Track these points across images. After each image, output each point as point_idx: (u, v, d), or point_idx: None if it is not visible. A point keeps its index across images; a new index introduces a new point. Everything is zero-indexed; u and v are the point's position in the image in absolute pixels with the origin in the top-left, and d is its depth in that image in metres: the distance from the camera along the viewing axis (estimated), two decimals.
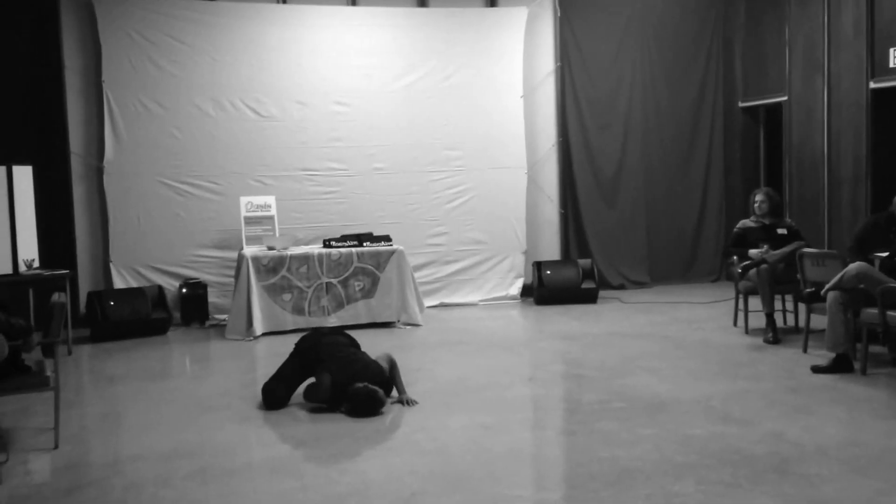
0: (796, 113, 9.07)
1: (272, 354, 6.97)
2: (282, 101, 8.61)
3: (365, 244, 7.98)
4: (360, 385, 5.01)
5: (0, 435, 4.59)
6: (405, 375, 5.53)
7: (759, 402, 5.03)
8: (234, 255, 8.12)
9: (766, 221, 7.08)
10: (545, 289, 8.93)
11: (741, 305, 7.17)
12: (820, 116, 8.70)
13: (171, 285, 8.24)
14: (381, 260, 7.93)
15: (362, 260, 7.91)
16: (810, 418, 4.70)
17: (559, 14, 9.46)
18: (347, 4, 8.93)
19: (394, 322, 7.87)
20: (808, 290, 6.13)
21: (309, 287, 7.77)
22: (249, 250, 7.81)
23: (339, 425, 4.86)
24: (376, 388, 5.04)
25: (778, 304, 7.15)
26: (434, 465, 4.24)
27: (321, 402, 5.13)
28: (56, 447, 4.54)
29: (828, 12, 8.50)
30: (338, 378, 5.06)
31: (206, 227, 8.41)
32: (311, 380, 5.26)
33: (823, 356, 5.88)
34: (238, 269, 7.83)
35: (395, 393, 5.33)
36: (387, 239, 8.10)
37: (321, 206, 8.72)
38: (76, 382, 6.24)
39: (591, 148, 9.67)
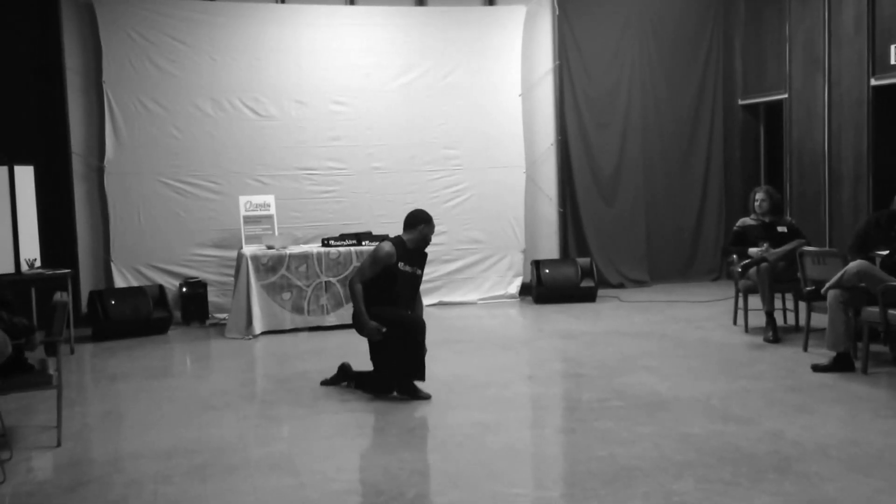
0: (796, 110, 9.06)
1: (271, 353, 7.00)
2: (280, 101, 8.62)
3: (364, 243, 7.98)
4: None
5: (3, 433, 4.60)
6: None
7: (759, 401, 5.03)
8: (234, 254, 8.12)
9: (767, 219, 7.07)
10: (544, 287, 8.93)
11: (741, 304, 7.16)
12: (820, 114, 8.69)
13: (171, 284, 8.25)
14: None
15: (361, 259, 7.90)
16: (810, 417, 4.70)
17: (557, 12, 9.45)
18: (346, 4, 8.93)
19: None
20: (809, 288, 6.12)
21: (308, 286, 7.78)
22: (249, 249, 7.81)
23: (337, 423, 4.87)
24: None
25: (778, 303, 7.14)
26: (432, 463, 4.26)
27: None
28: (58, 445, 4.56)
29: (828, 9, 8.50)
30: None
31: (206, 227, 8.42)
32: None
33: (824, 355, 5.87)
34: (237, 268, 7.84)
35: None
36: (384, 238, 8.10)
37: (320, 205, 8.73)
38: (78, 381, 6.26)
39: (589, 146, 9.67)
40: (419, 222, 5.45)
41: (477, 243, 9.15)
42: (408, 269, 5.41)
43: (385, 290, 5.34)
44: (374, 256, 5.35)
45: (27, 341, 4.56)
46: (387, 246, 5.36)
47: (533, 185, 9.45)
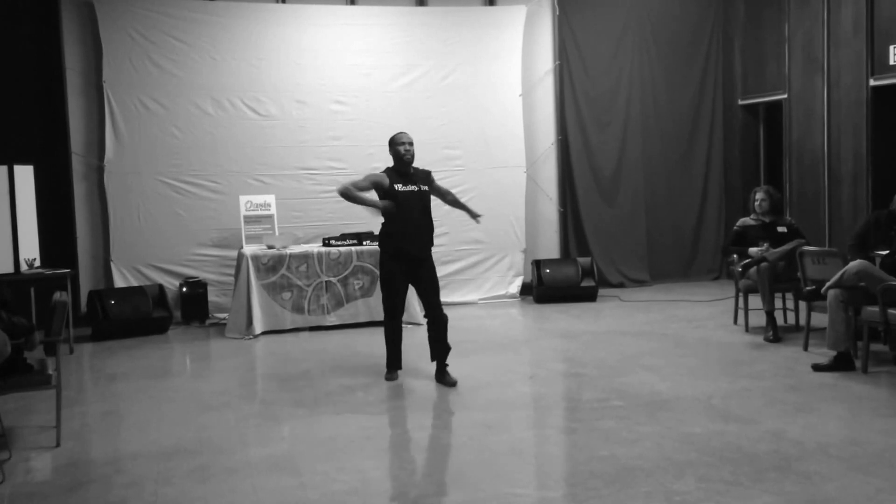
0: (796, 110, 9.07)
1: (272, 353, 6.99)
2: (281, 100, 8.62)
3: (364, 243, 7.98)
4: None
5: (2, 433, 4.59)
6: (404, 374, 5.67)
7: (760, 401, 5.03)
8: (234, 253, 8.12)
9: (767, 219, 7.08)
10: (544, 287, 8.93)
11: (741, 303, 7.17)
12: (820, 114, 8.70)
13: (171, 284, 8.24)
14: (379, 258, 7.91)
15: (361, 258, 7.91)
16: (811, 416, 4.70)
17: (558, 12, 9.46)
18: (346, 4, 8.93)
19: None
20: (809, 288, 6.12)
21: (308, 286, 7.78)
22: (249, 249, 7.81)
23: (338, 423, 4.87)
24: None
25: (778, 303, 7.15)
26: (434, 463, 4.25)
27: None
28: (58, 445, 4.56)
29: (827, 9, 8.50)
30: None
31: (206, 226, 8.42)
32: None
33: (824, 354, 5.88)
34: (238, 267, 7.83)
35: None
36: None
37: (320, 204, 8.72)
38: (77, 381, 6.25)
39: (590, 146, 9.67)
40: (389, 146, 5.84)
41: (478, 243, 9.14)
42: (408, 188, 5.72)
43: (393, 215, 5.66)
44: (367, 174, 5.81)
45: (26, 341, 4.55)
46: (378, 172, 5.82)
47: (533, 184, 9.45)
